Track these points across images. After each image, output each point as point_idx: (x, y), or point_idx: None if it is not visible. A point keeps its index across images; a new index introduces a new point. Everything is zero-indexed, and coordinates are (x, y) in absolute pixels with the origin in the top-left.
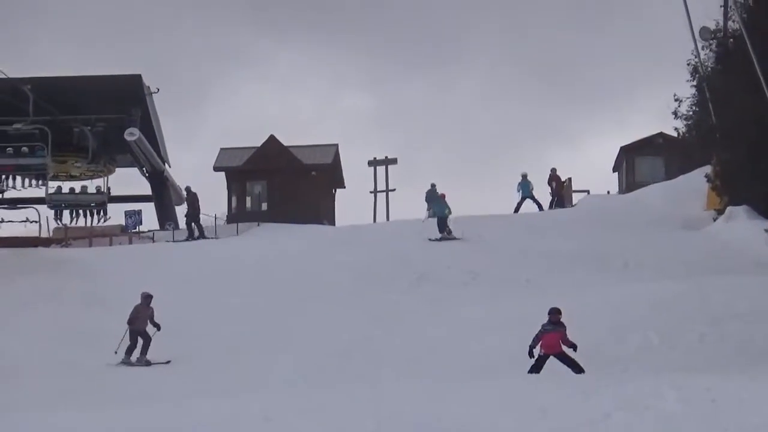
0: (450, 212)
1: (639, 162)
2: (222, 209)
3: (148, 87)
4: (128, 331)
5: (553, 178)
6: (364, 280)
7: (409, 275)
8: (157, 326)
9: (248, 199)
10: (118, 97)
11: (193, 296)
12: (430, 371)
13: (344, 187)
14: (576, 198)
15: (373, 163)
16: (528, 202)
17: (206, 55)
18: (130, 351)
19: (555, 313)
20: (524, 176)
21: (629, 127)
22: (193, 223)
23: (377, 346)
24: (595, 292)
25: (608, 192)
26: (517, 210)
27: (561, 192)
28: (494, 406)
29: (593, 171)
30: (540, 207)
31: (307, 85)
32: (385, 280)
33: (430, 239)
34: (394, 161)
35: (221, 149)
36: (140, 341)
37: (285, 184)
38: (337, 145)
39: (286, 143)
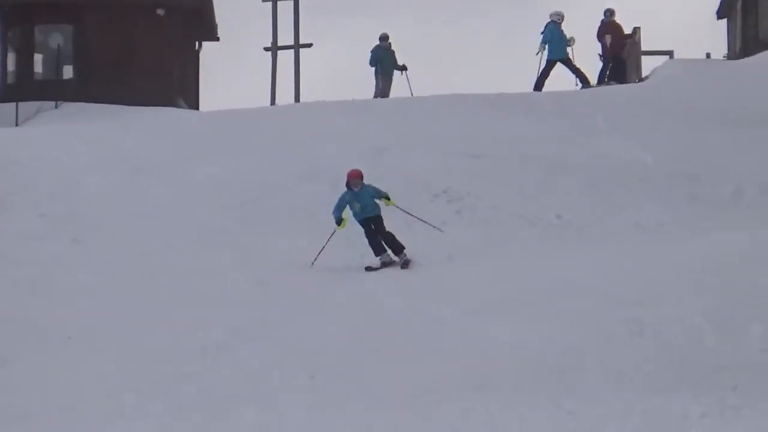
0: (387, 200)
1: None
2: None
3: None
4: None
5: (609, 28)
6: (255, 220)
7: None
8: None
9: (38, 58)
10: None
11: None
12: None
13: (217, 39)
14: (649, 65)
15: None
16: (561, 69)
17: None
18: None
19: None
20: (555, 20)
21: None
22: None
23: (257, 354)
24: (680, 243)
25: (707, 55)
26: (539, 84)
27: (621, 53)
28: None
29: (679, 17)
30: (583, 80)
31: None
32: (296, 219)
33: (368, 268)
34: None
35: None
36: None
37: (107, 31)
38: None
39: None
